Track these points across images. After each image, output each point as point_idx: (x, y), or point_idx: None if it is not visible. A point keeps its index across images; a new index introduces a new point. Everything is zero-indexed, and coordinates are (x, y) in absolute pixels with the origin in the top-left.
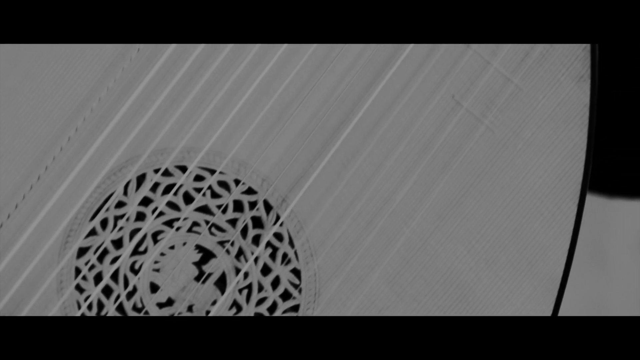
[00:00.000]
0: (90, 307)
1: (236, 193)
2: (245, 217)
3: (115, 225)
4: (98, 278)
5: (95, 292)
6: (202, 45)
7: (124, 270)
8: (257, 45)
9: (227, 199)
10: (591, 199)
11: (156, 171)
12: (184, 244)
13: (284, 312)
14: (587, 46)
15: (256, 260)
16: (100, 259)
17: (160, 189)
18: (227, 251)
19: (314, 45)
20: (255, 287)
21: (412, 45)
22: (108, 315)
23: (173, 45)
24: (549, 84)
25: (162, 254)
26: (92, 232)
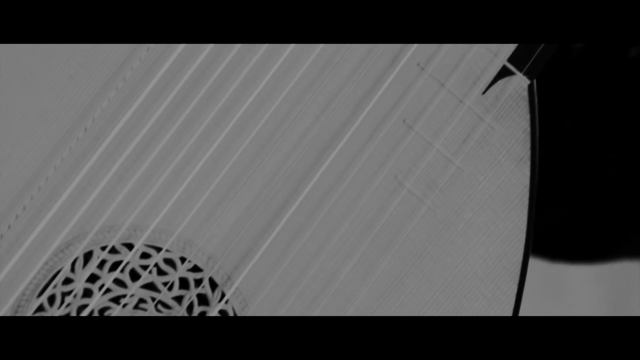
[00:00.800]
0: None
1: (182, 270)
2: (191, 295)
3: (62, 302)
4: None
5: None
6: (149, 124)
7: None
8: (204, 124)
9: (173, 276)
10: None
11: (103, 248)
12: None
13: None
14: (527, 129)
15: None
16: None
17: (107, 266)
18: None
19: (260, 125)
20: None
21: (355, 125)
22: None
23: (127, 117)
24: (490, 165)
25: None
26: (40, 309)
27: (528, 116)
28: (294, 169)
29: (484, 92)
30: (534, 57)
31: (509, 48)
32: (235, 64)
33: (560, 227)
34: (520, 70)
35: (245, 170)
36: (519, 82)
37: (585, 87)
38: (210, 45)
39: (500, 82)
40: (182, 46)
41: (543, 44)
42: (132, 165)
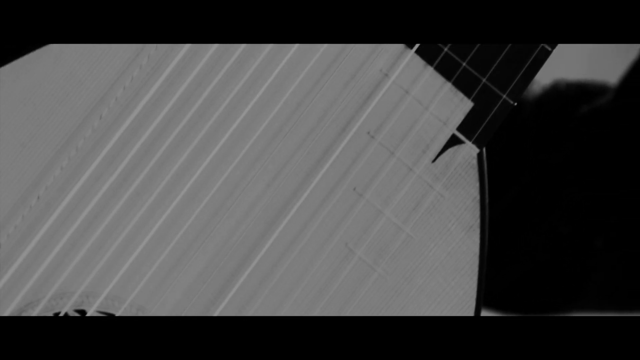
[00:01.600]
0: None
1: None
2: None
3: None
4: None
5: None
6: (100, 193)
7: None
8: (157, 191)
9: None
10: None
11: (56, 315)
12: None
13: None
14: (477, 197)
15: None
16: None
17: None
18: None
19: (212, 192)
20: None
21: (306, 193)
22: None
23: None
24: (440, 233)
25: None
26: None
27: (477, 184)
28: (246, 236)
29: (433, 161)
30: (483, 126)
31: (458, 117)
32: (184, 134)
33: (514, 284)
34: (469, 139)
35: (197, 237)
36: (469, 151)
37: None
38: (165, 109)
39: (450, 151)
40: (140, 106)
41: (492, 114)
42: (85, 232)
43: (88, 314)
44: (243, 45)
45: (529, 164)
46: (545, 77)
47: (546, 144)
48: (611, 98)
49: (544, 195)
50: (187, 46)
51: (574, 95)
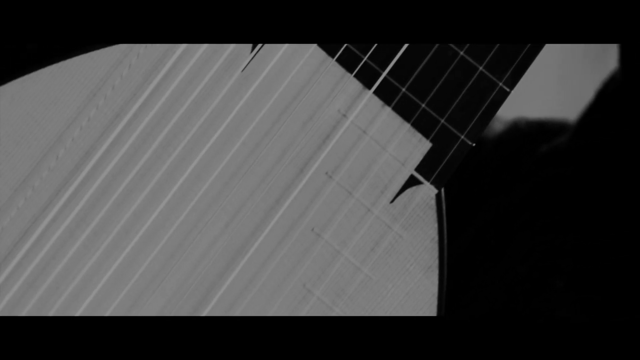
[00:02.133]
0: None
1: None
2: None
3: None
4: None
5: None
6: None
7: None
8: (113, 233)
9: None
10: None
11: None
12: None
13: None
14: (435, 237)
15: None
16: None
17: None
18: None
19: (169, 233)
20: None
21: (264, 233)
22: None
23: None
24: (398, 273)
25: None
26: None
27: (436, 225)
28: (204, 276)
29: (392, 201)
30: (441, 166)
31: (416, 157)
32: (142, 174)
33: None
34: (428, 179)
35: (156, 277)
36: (427, 191)
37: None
38: (123, 150)
39: (408, 191)
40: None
41: (450, 155)
42: (36, 280)
43: None
44: (200, 87)
45: (487, 203)
46: (507, 113)
47: (505, 183)
48: (570, 137)
49: (502, 235)
50: (145, 88)
51: (534, 134)
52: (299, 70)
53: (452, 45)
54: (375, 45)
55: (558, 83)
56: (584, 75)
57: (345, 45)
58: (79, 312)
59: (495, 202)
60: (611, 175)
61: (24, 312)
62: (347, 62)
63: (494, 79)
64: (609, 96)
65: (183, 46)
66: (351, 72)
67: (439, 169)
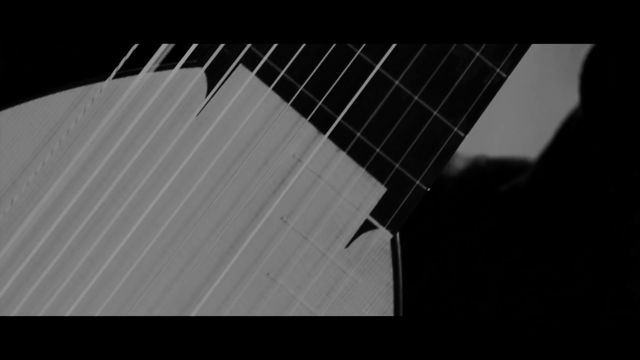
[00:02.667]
0: None
1: None
2: None
3: None
4: None
5: None
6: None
7: None
8: (62, 287)
9: None
10: None
11: None
12: None
13: None
14: (390, 282)
15: None
16: None
17: None
18: None
19: (124, 279)
20: None
21: (219, 278)
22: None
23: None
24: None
25: None
26: None
27: (391, 270)
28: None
29: (347, 246)
30: (396, 211)
31: (371, 202)
32: (96, 220)
33: None
34: (383, 224)
35: (123, 303)
36: (382, 236)
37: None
38: (77, 195)
39: (363, 236)
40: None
41: (405, 199)
42: None
43: None
44: (154, 132)
45: (447, 244)
46: (468, 150)
47: (465, 222)
48: (530, 175)
49: (461, 276)
50: (100, 132)
51: (494, 173)
52: (254, 115)
53: (406, 90)
54: (331, 88)
55: (518, 122)
56: (544, 114)
57: (299, 89)
58: None
59: (455, 241)
60: (572, 211)
61: None
62: (301, 107)
63: (449, 124)
64: (568, 135)
65: (138, 89)
66: (306, 117)
67: (394, 214)
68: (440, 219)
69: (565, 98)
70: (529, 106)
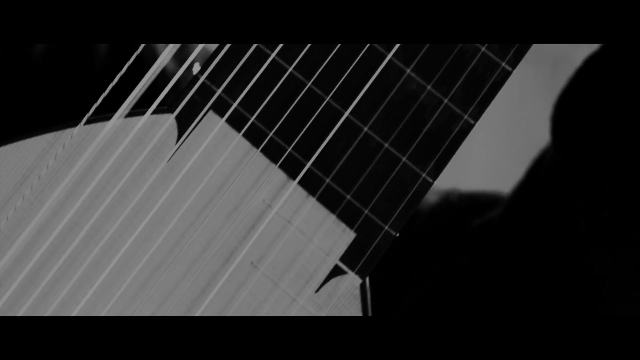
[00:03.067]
0: None
1: None
2: None
3: None
4: None
5: None
6: None
7: None
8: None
9: None
10: None
11: None
12: None
13: None
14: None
15: None
16: None
17: None
18: None
19: (102, 314)
20: None
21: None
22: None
23: None
24: None
25: None
26: None
27: (360, 315)
28: None
29: (316, 291)
30: (365, 256)
31: (341, 248)
32: (70, 262)
33: None
34: (352, 269)
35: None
36: (351, 281)
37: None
38: (46, 244)
39: (333, 281)
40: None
41: (374, 245)
42: None
43: None
44: (125, 178)
45: (419, 279)
46: (441, 184)
47: (438, 257)
48: (503, 210)
49: (432, 314)
50: (72, 178)
51: (466, 207)
52: (224, 161)
53: (375, 136)
54: (301, 134)
55: (491, 156)
56: (515, 152)
57: (269, 136)
58: None
59: (428, 276)
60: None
61: None
62: (271, 153)
63: (417, 170)
64: (540, 172)
65: (108, 136)
66: (276, 163)
67: (363, 259)
68: (412, 253)
69: (538, 135)
70: (502, 141)
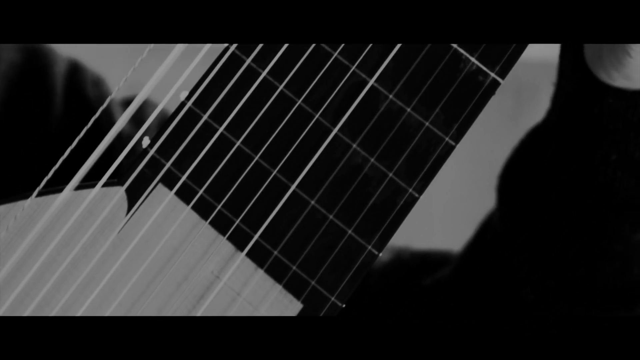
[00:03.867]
0: None
1: None
2: None
3: None
4: None
5: None
6: None
7: None
8: None
9: None
10: None
11: None
12: None
13: None
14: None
15: None
16: None
17: None
18: None
19: None
20: None
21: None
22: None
23: None
24: None
25: None
26: None
27: None
28: None
29: None
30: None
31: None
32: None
33: None
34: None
35: None
36: None
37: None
38: (14, 294)
39: None
40: None
41: (322, 313)
42: None
43: None
44: (76, 249)
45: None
46: (394, 240)
47: (391, 315)
48: (453, 269)
49: None
50: (23, 250)
51: (417, 265)
52: (173, 232)
53: (321, 209)
54: (249, 207)
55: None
56: (466, 211)
57: (217, 208)
58: None
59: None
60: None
61: None
62: (219, 225)
63: (363, 242)
64: (486, 234)
65: (59, 208)
66: (224, 235)
67: (307, 290)
68: (363, 311)
69: (487, 196)
70: (453, 199)
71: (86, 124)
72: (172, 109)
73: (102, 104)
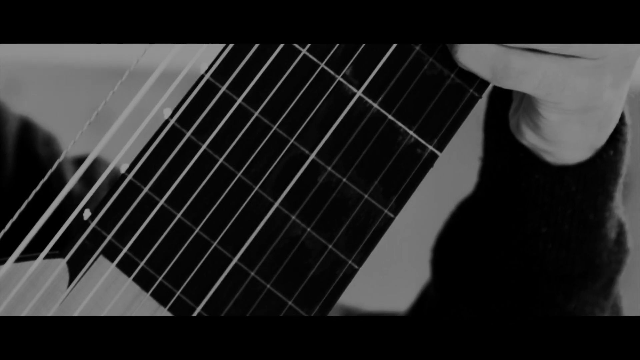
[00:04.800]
0: None
1: None
2: None
3: None
4: None
5: None
6: None
7: None
8: None
9: None
10: None
11: None
12: None
13: None
14: None
15: None
16: None
17: None
18: None
19: None
20: None
21: None
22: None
23: None
24: None
25: None
26: None
27: None
28: None
29: None
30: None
31: None
32: None
33: None
34: None
35: None
36: None
37: None
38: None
39: None
40: None
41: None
42: None
43: None
44: (27, 309)
45: None
46: (347, 299)
47: None
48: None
49: None
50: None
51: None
52: (115, 304)
53: (261, 280)
54: (189, 278)
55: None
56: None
57: (159, 280)
58: None
59: None
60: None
61: None
62: (161, 296)
63: (303, 313)
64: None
65: (1, 280)
66: (165, 306)
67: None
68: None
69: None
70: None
71: (37, 183)
72: (124, 168)
73: (53, 163)
